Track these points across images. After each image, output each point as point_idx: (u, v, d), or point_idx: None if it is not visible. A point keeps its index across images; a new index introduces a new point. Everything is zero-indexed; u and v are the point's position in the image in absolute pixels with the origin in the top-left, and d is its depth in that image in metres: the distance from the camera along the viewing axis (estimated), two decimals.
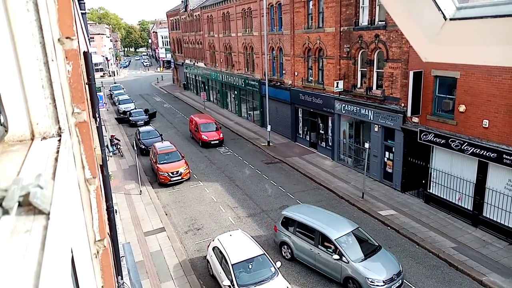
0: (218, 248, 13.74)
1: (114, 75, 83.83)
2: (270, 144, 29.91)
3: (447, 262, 14.52)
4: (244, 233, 14.72)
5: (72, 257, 2.39)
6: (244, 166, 25.69)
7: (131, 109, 41.12)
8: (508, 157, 14.83)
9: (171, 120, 40.29)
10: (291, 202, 20.12)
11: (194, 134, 31.69)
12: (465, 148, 16.54)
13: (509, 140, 14.95)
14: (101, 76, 79.40)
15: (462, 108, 16.65)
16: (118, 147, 29.00)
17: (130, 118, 38.31)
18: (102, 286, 3.01)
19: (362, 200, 19.78)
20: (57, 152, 1.88)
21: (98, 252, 2.94)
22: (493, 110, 15.43)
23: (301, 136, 30.02)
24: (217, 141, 29.70)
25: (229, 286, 12.43)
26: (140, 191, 21.90)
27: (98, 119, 6.89)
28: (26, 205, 1.22)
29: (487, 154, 15.66)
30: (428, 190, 19.07)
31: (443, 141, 17.50)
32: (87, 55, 6.10)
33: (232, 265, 12.74)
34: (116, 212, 18.67)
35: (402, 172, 20.38)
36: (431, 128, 18.20)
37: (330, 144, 26.39)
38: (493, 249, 15.04)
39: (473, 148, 16.17)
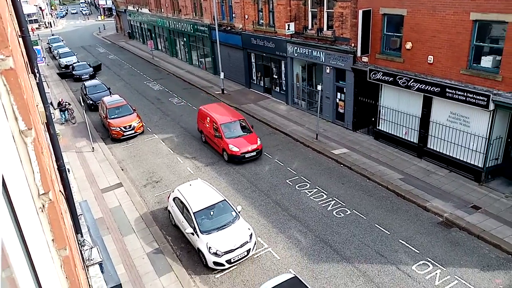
0: (179, 198, 13.82)
1: (51, 27, 77.20)
2: (225, 92, 29.51)
3: (395, 193, 15.60)
4: (203, 182, 14.84)
5: (14, 211, 2.24)
6: None
7: (74, 63, 38.49)
8: (451, 91, 15.64)
9: (118, 72, 38.33)
10: None
11: (210, 139, 20.32)
12: (411, 84, 17.19)
13: (451, 74, 15.68)
14: (36, 28, 72.77)
15: (408, 45, 17.07)
16: (71, 112, 25.43)
17: (74, 72, 35.94)
18: (53, 239, 2.92)
19: (316, 141, 20.39)
20: None
21: (44, 206, 2.81)
22: (437, 46, 15.96)
23: (255, 82, 29.79)
24: (255, 153, 18.81)
25: (192, 233, 12.69)
26: (93, 148, 21.15)
27: (37, 75, 6.34)
28: None
29: (431, 89, 16.41)
30: (378, 127, 19.94)
31: (391, 79, 18.05)
32: (16, 3, 5.45)
33: (193, 213, 12.92)
34: (68, 171, 18.04)
35: (353, 112, 21.04)
36: (380, 66, 18.64)
37: (284, 88, 26.45)
38: (436, 177, 16.29)
39: (419, 84, 16.86)
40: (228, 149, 18.57)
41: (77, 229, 8.21)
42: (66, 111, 25.23)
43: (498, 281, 11.13)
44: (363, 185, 16.39)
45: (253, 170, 18.12)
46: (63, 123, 24.95)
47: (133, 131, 22.33)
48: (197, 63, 38.25)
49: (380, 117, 19.68)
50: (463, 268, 11.68)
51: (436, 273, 11.55)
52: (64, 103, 25.33)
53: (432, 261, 12.00)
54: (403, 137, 18.67)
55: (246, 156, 18.49)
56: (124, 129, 22.08)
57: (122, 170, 19.03)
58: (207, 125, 20.30)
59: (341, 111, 22.01)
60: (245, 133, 19.41)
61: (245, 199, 15.87)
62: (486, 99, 14.45)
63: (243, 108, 26.03)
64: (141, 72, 37.57)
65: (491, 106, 14.43)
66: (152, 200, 16.40)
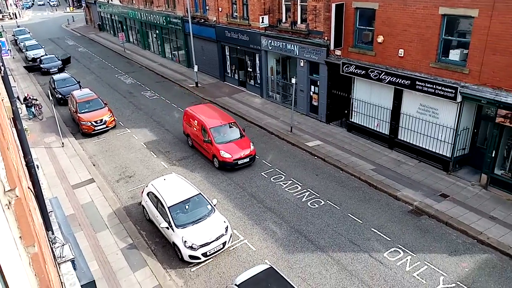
0: (153, 193, 13.66)
1: (16, 18, 74.08)
2: (199, 85, 29.25)
3: (367, 183, 15.97)
4: (178, 176, 14.71)
5: None
6: (173, 110, 25.03)
7: (41, 56, 37.13)
8: (420, 83, 16.07)
9: (88, 66, 37.27)
10: None
11: (199, 144, 18.77)
12: (383, 77, 17.55)
13: (421, 67, 16.11)
14: (0, 20, 69.69)
15: (380, 39, 17.39)
16: (38, 108, 24.00)
17: (41, 65, 34.69)
18: (20, 236, 2.84)
19: (290, 134, 20.56)
20: None
21: (10, 203, 2.73)
22: (407, 39, 16.33)
23: (229, 75, 29.66)
24: (248, 160, 17.45)
25: (167, 227, 12.59)
26: (62, 143, 20.55)
27: (2, 68, 6.09)
28: None
29: (402, 81, 16.81)
30: (350, 120, 20.29)
31: (363, 72, 18.36)
32: None
33: (168, 207, 12.81)
34: (37, 167, 17.47)
35: (327, 105, 21.31)
36: (353, 60, 18.92)
37: (258, 82, 26.46)
38: (406, 168, 16.77)
39: (390, 77, 17.23)
40: (219, 155, 17.12)
41: (48, 226, 8.01)
42: (33, 107, 24.16)
43: (464, 265, 11.63)
44: (336, 176, 16.67)
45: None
46: (31, 119, 24.01)
47: (104, 126, 21.83)
48: (170, 56, 37.67)
49: (353, 109, 20.02)
50: (432, 253, 12.12)
51: (407, 259, 11.95)
52: (30, 99, 24.21)
53: (403, 248, 12.39)
54: (375, 129, 19.08)
55: (239, 163, 17.14)
56: (95, 124, 21.56)
57: (94, 165, 18.61)
58: (195, 129, 18.77)
59: (315, 104, 22.25)
60: (237, 138, 17.96)
61: (220, 192, 15.86)
62: (454, 91, 14.94)
63: (217, 101, 25.90)
64: (112, 65, 36.69)
65: (459, 98, 14.93)
66: (126, 195, 16.14)
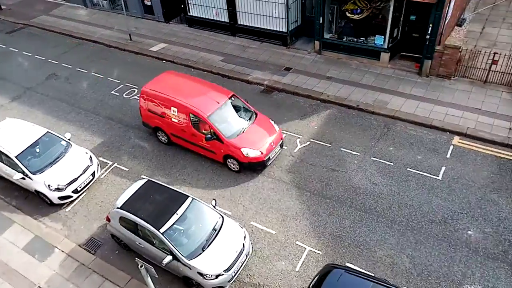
0: None
1: None
2: (2, 7, 24.06)
3: (219, 74, 16.33)
4: (15, 120, 12.84)
5: None
6: None
7: None
8: None
9: None
10: (56, 68, 17.95)
11: (192, 143, 12.37)
12: None
13: None
14: None
15: None
16: None
17: None
18: None
19: (131, 43, 19.09)
20: None
21: None
22: None
23: None
24: (279, 147, 12.19)
25: (22, 178, 11.31)
26: None
27: None
28: None
29: None
30: (189, 14, 19.55)
31: None
32: None
33: (15, 157, 11.36)
34: None
35: (161, 1, 19.92)
36: None
37: None
38: (251, 51, 17.46)
39: None
40: (241, 155, 11.38)
41: None
42: None
43: (313, 124, 13.43)
44: (191, 75, 16.51)
45: (70, 90, 16.33)
46: None
47: None
48: None
49: (189, 2, 19.17)
50: (287, 122, 13.57)
51: None
52: None
53: None
54: (215, 18, 18.86)
55: (271, 158, 11.87)
56: None
57: None
58: (176, 120, 12.20)
59: (148, 3, 20.58)
60: (250, 119, 12.21)
61: (71, 124, 14.52)
62: None
63: (33, 22, 22.03)
64: None
65: None
66: None
